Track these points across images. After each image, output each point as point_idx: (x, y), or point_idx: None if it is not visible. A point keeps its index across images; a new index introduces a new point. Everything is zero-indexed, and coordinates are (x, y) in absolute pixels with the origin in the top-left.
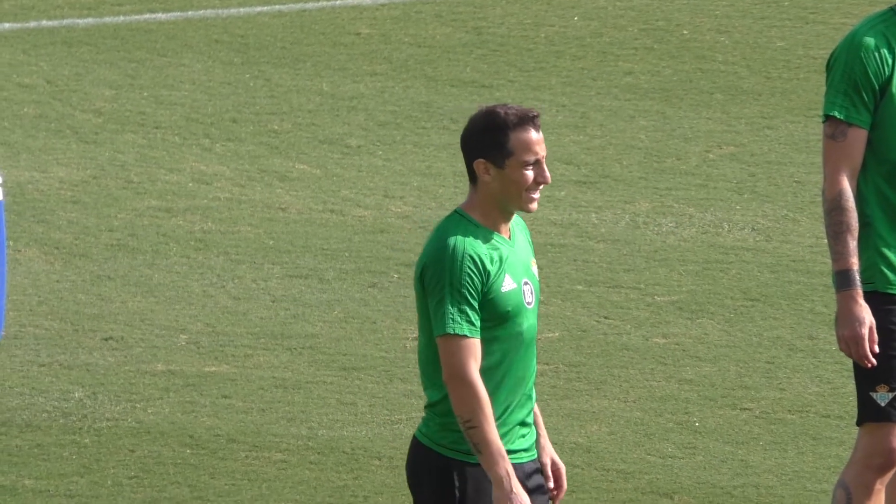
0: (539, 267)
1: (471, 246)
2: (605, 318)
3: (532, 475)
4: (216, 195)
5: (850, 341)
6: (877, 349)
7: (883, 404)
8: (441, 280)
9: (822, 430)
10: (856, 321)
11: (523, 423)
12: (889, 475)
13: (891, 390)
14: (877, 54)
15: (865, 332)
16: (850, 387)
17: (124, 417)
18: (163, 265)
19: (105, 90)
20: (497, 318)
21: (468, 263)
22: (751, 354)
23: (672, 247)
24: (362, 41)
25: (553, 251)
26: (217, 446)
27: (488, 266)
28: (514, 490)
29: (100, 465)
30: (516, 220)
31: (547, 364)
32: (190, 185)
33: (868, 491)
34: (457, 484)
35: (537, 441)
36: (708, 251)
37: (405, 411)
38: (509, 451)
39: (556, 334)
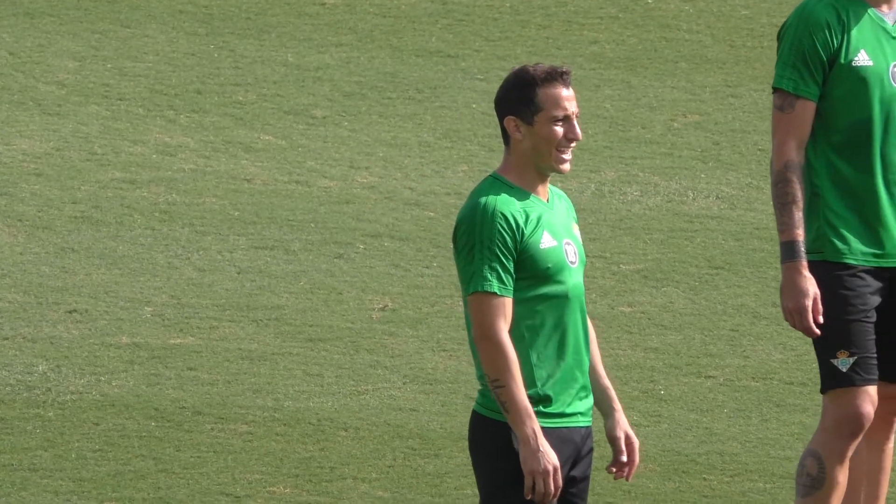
0: None
1: (503, 204)
2: None
3: (587, 437)
4: (181, 166)
5: (794, 313)
6: (821, 320)
7: (845, 370)
8: (471, 238)
9: (785, 396)
10: (800, 293)
11: (580, 385)
12: (859, 440)
13: (851, 355)
14: (826, 27)
15: (809, 303)
16: (814, 354)
17: (88, 390)
18: (127, 237)
19: (68, 62)
20: (538, 275)
21: (499, 221)
22: (715, 322)
23: (637, 215)
24: (327, 11)
25: None
26: (182, 419)
27: (521, 223)
28: (540, 448)
29: (64, 439)
30: (558, 193)
31: None
32: (154, 156)
33: (842, 458)
34: (512, 444)
35: (612, 415)
36: (673, 220)
37: (371, 382)
38: (567, 414)
39: None
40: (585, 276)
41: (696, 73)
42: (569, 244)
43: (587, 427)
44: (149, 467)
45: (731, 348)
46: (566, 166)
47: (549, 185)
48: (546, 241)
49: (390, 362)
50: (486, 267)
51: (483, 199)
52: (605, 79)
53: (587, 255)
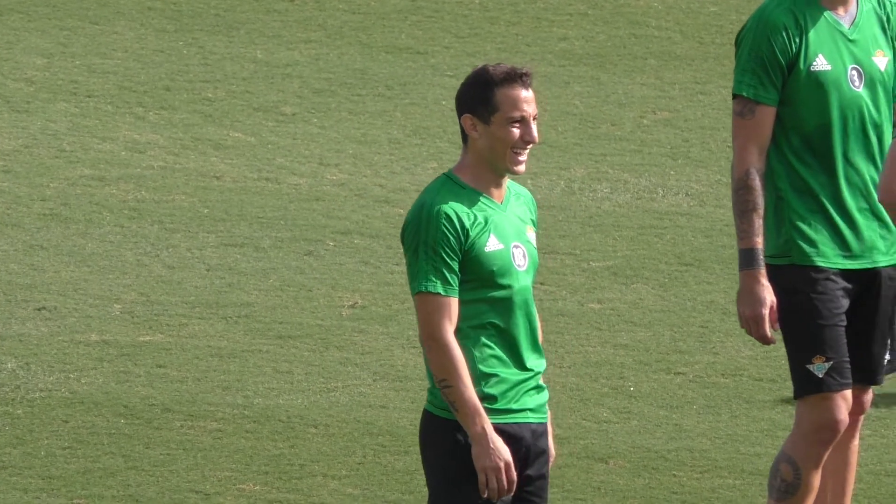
0: None
1: (449, 205)
2: (541, 283)
3: (541, 436)
4: (150, 164)
5: (750, 321)
6: (777, 328)
7: (821, 375)
8: (416, 238)
9: (754, 393)
10: (756, 301)
11: (528, 383)
12: (833, 444)
13: (827, 360)
14: (784, 32)
15: (766, 312)
16: (783, 350)
17: (58, 388)
18: (96, 234)
19: (37, 59)
20: (482, 277)
21: (444, 221)
22: (685, 319)
23: (607, 212)
24: (296, 8)
25: None
26: (152, 416)
27: (467, 224)
28: (491, 445)
29: (33, 436)
30: (519, 192)
31: None
32: (123, 153)
33: (817, 464)
34: (461, 441)
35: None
36: (642, 216)
37: (341, 379)
38: (514, 411)
39: None
40: (555, 272)
41: (666, 69)
42: (517, 247)
43: (540, 423)
44: (118, 465)
45: (701, 345)
46: (521, 168)
47: (507, 184)
48: (492, 244)
49: (360, 359)
50: (431, 267)
51: (430, 199)
52: (575, 75)
53: (558, 252)
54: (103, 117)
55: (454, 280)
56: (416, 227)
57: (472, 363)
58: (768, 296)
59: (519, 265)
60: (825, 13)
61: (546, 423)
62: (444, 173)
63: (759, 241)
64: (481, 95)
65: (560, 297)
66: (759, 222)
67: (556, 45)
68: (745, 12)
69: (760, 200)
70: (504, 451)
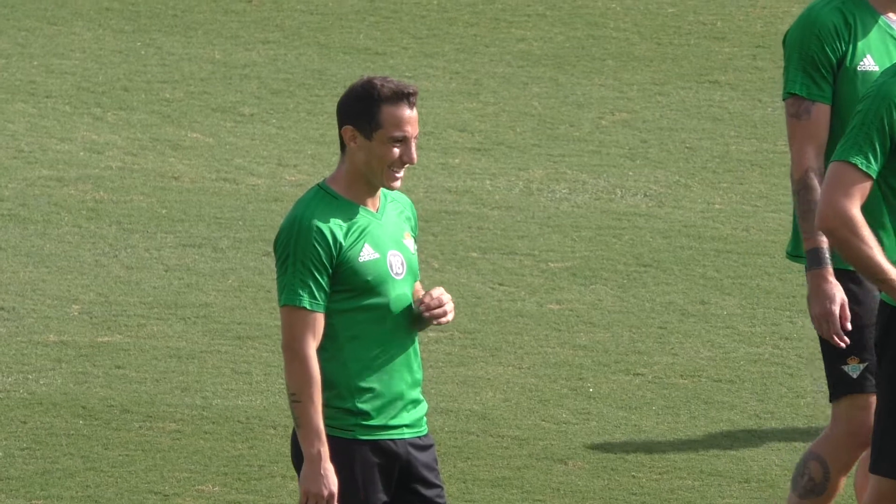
0: (433, 234)
1: (320, 218)
2: (500, 284)
3: (425, 448)
4: (108, 164)
5: (821, 319)
6: (849, 326)
7: (855, 376)
8: (286, 250)
9: (713, 394)
10: (826, 299)
11: (405, 397)
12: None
13: (861, 361)
14: (832, 31)
15: (836, 309)
16: (742, 351)
17: (16, 388)
18: (54, 235)
19: None
20: (357, 287)
21: (315, 235)
22: (643, 320)
23: (566, 213)
24: (254, 8)
25: (447, 218)
26: (110, 417)
27: (340, 237)
28: (322, 472)
29: None
30: (393, 198)
31: (441, 331)
32: (81, 154)
33: (846, 469)
34: (335, 460)
35: None
36: (601, 217)
37: None
38: (390, 427)
39: None
40: (514, 273)
41: (624, 70)
42: (395, 255)
43: (419, 437)
44: (77, 466)
45: (660, 346)
46: (397, 184)
47: (382, 190)
48: (366, 254)
49: None
50: (299, 281)
51: (301, 212)
52: (533, 76)
53: (517, 253)
54: (61, 118)
55: (321, 296)
56: (287, 239)
57: (347, 376)
58: (838, 293)
59: (396, 273)
60: (877, 17)
61: (428, 435)
62: (317, 184)
63: (824, 241)
64: (366, 110)
65: (519, 297)
66: None
67: (514, 46)
68: (702, 13)
69: None
70: (333, 482)
